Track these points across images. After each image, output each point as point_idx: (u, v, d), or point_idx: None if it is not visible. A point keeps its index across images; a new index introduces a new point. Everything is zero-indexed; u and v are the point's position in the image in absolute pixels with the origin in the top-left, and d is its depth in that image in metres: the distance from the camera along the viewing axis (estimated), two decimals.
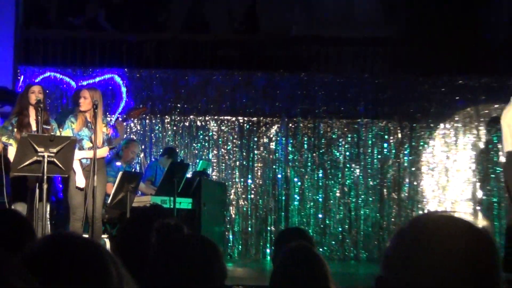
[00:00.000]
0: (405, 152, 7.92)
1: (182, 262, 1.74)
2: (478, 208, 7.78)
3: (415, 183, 7.91)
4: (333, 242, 8.05)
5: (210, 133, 8.45)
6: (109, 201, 6.52)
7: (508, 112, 5.84)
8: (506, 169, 6.10)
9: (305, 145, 8.17)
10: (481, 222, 6.88)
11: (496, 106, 7.51)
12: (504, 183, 6.14)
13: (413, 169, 7.97)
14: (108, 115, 7.64)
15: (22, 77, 8.30)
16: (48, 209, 6.19)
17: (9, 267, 0.55)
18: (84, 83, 8.15)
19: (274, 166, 8.35)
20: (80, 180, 6.06)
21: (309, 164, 8.12)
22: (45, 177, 5.60)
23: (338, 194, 8.05)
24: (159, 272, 1.68)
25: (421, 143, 7.95)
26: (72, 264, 1.02)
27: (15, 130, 6.11)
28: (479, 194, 7.76)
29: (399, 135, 7.93)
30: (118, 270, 1.03)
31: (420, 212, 7.98)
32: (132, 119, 8.07)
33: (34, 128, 6.15)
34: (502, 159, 6.36)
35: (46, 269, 0.99)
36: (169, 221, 2.30)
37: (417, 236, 0.98)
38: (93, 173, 5.90)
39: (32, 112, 6.17)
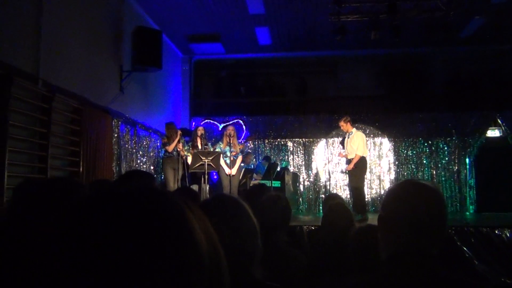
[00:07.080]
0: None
1: (272, 205, 2.39)
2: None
3: None
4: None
5: (288, 148, 10.73)
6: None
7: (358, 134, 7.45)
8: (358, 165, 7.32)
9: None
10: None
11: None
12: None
13: None
14: (238, 139, 8.51)
15: (194, 123, 10.72)
16: (207, 188, 7.42)
17: (190, 208, 0.57)
18: (223, 125, 10.56)
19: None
20: (227, 170, 7.55)
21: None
22: (206, 172, 6.95)
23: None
24: (264, 211, 2.05)
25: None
26: (227, 208, 1.37)
27: (190, 149, 7.67)
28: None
29: None
30: (247, 211, 1.37)
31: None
32: (249, 141, 10.53)
33: (200, 148, 7.69)
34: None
35: (211, 211, 1.25)
36: (270, 192, 3.10)
37: (399, 191, 1.23)
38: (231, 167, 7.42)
39: (198, 140, 7.79)
